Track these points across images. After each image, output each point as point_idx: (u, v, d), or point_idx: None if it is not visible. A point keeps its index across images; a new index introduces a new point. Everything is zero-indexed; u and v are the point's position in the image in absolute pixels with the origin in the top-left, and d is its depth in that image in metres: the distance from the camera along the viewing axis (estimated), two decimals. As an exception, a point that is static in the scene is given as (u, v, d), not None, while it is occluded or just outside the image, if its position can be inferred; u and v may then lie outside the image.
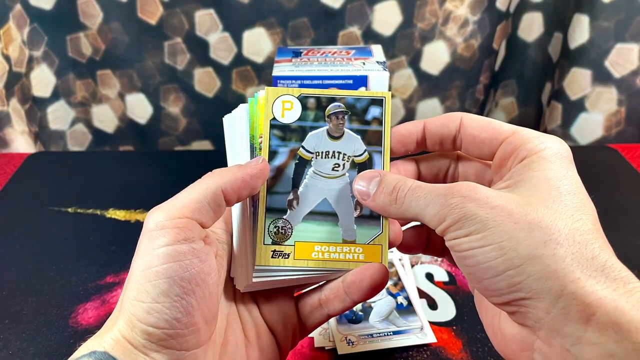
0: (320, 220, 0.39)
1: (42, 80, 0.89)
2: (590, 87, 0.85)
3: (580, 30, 0.82)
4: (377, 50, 0.66)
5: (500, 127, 0.36)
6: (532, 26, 0.89)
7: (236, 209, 0.39)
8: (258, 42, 0.86)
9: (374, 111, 0.39)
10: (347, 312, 0.53)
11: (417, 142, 0.39)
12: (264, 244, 0.38)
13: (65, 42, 0.87)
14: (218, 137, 0.96)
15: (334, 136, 0.39)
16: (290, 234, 0.38)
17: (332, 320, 0.52)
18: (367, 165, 0.39)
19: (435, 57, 0.88)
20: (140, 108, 0.93)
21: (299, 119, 0.39)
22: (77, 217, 0.69)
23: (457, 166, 0.40)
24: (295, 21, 0.84)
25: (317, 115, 0.39)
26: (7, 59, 0.81)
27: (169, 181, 0.75)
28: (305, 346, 0.51)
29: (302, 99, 0.40)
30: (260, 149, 0.39)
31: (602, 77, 0.84)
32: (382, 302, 0.54)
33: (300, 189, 0.39)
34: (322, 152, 0.39)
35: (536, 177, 0.32)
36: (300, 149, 0.39)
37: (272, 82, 0.60)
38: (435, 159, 0.40)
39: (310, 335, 0.52)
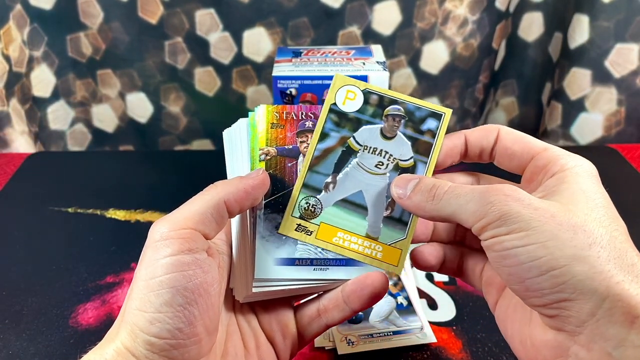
0: (350, 209, 0.40)
1: (42, 80, 0.89)
2: (590, 87, 0.85)
3: (580, 30, 0.82)
4: (377, 50, 0.67)
5: (533, 143, 0.37)
6: (532, 26, 0.89)
7: (236, 221, 0.40)
8: (258, 42, 0.86)
9: (430, 123, 0.41)
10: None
11: (461, 153, 0.40)
12: (291, 216, 0.39)
13: (65, 42, 0.87)
14: (218, 137, 0.95)
15: (386, 136, 0.40)
16: (318, 213, 0.39)
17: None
18: (410, 171, 0.40)
19: (435, 56, 0.88)
20: (140, 107, 0.93)
21: (358, 111, 0.41)
22: (77, 217, 0.69)
23: (479, 183, 0.41)
24: (295, 21, 0.84)
25: (376, 112, 0.40)
26: (7, 59, 0.81)
27: (169, 181, 0.75)
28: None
29: (366, 93, 0.41)
30: (261, 160, 0.39)
31: (602, 77, 0.84)
32: (382, 302, 0.54)
33: (340, 175, 0.40)
34: (370, 147, 0.40)
35: (571, 189, 0.33)
36: (351, 138, 0.40)
37: (272, 82, 0.60)
38: (456, 178, 0.41)
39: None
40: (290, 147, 0.40)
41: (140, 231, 0.66)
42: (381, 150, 0.40)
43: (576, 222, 0.30)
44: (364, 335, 0.51)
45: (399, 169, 0.40)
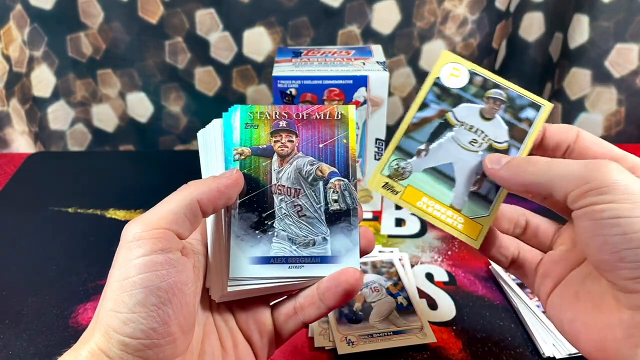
0: (438, 178, 0.42)
1: (42, 80, 0.89)
2: (590, 87, 0.85)
3: (580, 30, 0.82)
4: (377, 50, 0.67)
5: (613, 148, 0.39)
6: (532, 26, 0.89)
7: (211, 220, 0.40)
8: (258, 42, 0.86)
9: (529, 112, 0.42)
10: (347, 312, 0.53)
11: (535, 143, 0.41)
12: (380, 173, 0.41)
13: (66, 42, 0.87)
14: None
15: (485, 117, 0.42)
16: (407, 176, 0.41)
17: (332, 320, 0.52)
18: (503, 152, 0.41)
19: (434, 55, 0.88)
20: (141, 107, 0.93)
21: (461, 88, 0.42)
22: (77, 217, 0.69)
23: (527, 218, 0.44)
24: (295, 20, 0.85)
25: (478, 92, 0.43)
26: (7, 59, 0.81)
27: (169, 181, 0.75)
28: (305, 346, 0.51)
29: (472, 74, 0.43)
30: (235, 160, 0.40)
31: (602, 77, 0.84)
32: (382, 302, 0.54)
33: (434, 145, 0.42)
34: (467, 124, 0.42)
35: None
36: (450, 113, 0.42)
37: (272, 82, 0.60)
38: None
39: (310, 335, 0.52)
40: (265, 146, 0.40)
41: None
42: (477, 129, 0.42)
43: None
44: (364, 335, 0.51)
45: (492, 150, 0.41)
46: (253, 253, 0.39)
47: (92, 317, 0.54)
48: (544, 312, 0.52)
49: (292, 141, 0.41)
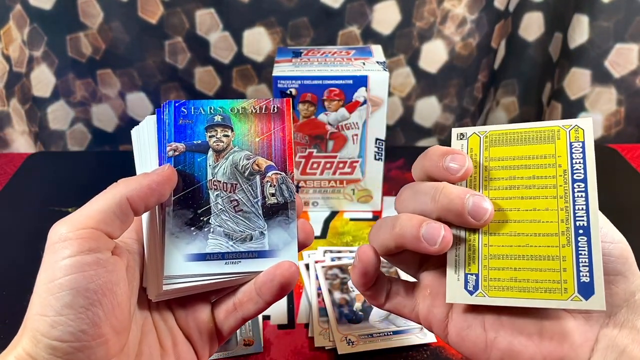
0: None
1: (42, 80, 0.89)
2: (589, 87, 0.85)
3: (580, 30, 0.82)
4: (377, 50, 0.67)
5: None
6: (532, 26, 0.90)
7: (146, 218, 0.39)
8: (258, 42, 0.86)
9: None
10: (347, 312, 0.53)
11: None
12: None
13: (65, 42, 0.87)
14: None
15: None
16: None
17: (332, 320, 0.52)
18: None
19: (434, 55, 0.88)
20: (140, 107, 0.93)
21: None
22: (77, 217, 0.69)
23: None
24: (295, 21, 0.85)
25: None
26: (7, 59, 0.81)
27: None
28: (305, 346, 0.51)
29: None
30: (169, 156, 0.39)
31: (601, 77, 0.84)
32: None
33: None
34: None
35: None
36: None
37: (272, 82, 0.60)
38: None
39: (310, 335, 0.52)
40: (199, 141, 0.40)
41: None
42: None
43: None
44: (364, 335, 0.51)
45: None
46: (188, 250, 0.38)
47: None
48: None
49: (227, 136, 0.40)
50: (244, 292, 0.39)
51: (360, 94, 0.61)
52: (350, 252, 0.62)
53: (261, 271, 0.38)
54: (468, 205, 0.33)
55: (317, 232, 0.66)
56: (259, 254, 0.39)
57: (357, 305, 0.54)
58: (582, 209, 0.32)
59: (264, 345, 0.51)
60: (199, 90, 0.90)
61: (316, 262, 0.60)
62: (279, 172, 0.40)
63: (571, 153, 0.33)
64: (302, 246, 0.39)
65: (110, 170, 0.80)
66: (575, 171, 0.33)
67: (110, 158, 0.87)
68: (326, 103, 0.61)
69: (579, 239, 0.32)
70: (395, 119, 0.93)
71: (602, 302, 0.31)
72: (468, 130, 0.38)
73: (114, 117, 0.94)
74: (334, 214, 0.69)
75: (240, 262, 0.38)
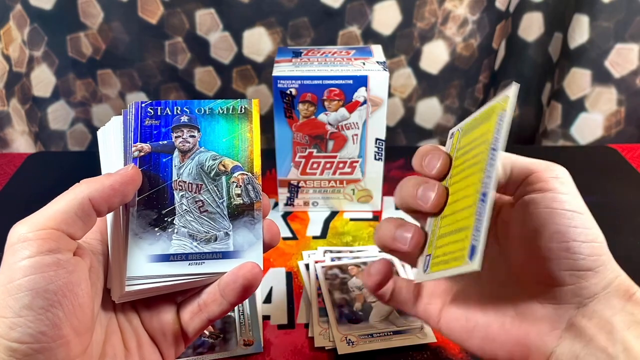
0: None
1: (42, 80, 0.89)
2: (590, 87, 0.85)
3: (580, 31, 0.82)
4: (377, 50, 0.67)
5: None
6: (532, 26, 0.90)
7: (110, 219, 0.39)
8: (258, 42, 0.86)
9: None
10: (347, 312, 0.53)
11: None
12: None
13: (65, 42, 0.87)
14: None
15: None
16: None
17: (332, 320, 0.52)
18: None
19: (435, 56, 0.88)
20: (140, 107, 0.93)
21: None
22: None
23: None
24: (295, 21, 0.85)
25: None
26: (7, 59, 0.81)
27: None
28: (305, 346, 0.51)
29: None
30: (134, 157, 0.39)
31: (601, 77, 0.84)
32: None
33: None
34: None
35: None
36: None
37: (272, 82, 0.60)
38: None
39: (310, 335, 0.52)
40: (165, 142, 0.40)
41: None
42: None
43: None
44: (364, 335, 0.51)
45: None
46: (152, 251, 0.38)
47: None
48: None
49: (193, 136, 0.40)
50: (208, 293, 0.38)
51: (360, 94, 0.60)
52: (350, 252, 0.62)
53: (225, 272, 0.38)
54: (419, 193, 0.38)
55: (317, 232, 0.66)
56: (224, 255, 0.39)
57: (357, 305, 0.54)
58: (489, 176, 0.32)
59: (264, 345, 0.51)
60: (199, 90, 0.91)
61: (316, 262, 0.60)
62: (245, 172, 0.40)
63: (496, 124, 0.33)
64: (267, 247, 0.39)
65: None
66: (494, 140, 0.33)
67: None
68: (326, 103, 0.61)
69: (479, 205, 0.32)
70: (396, 121, 0.93)
71: (479, 263, 0.30)
72: (454, 129, 0.41)
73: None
74: (334, 214, 0.69)
75: (204, 262, 0.38)
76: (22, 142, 0.86)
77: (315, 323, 0.53)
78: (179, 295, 0.40)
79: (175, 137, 0.40)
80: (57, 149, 0.94)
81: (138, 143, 0.39)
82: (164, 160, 0.39)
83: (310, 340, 0.52)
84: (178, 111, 0.40)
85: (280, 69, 0.61)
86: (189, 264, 0.38)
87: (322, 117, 0.62)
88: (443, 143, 0.95)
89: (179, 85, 0.90)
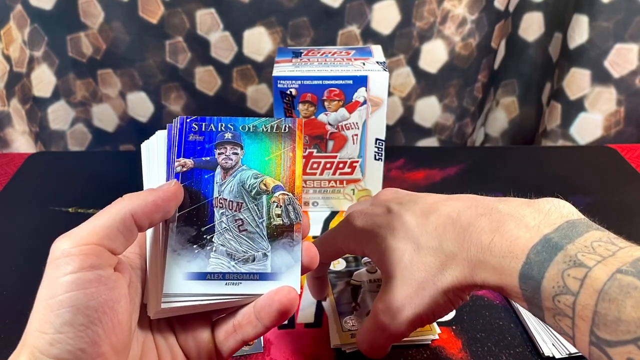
0: None
1: (43, 81, 0.89)
2: (589, 87, 0.85)
3: (580, 31, 0.82)
4: (377, 50, 0.67)
5: None
6: (532, 26, 0.90)
7: (149, 234, 0.38)
8: (258, 41, 0.86)
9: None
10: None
11: None
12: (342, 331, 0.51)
13: (66, 42, 0.87)
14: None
15: None
16: None
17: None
18: None
19: (434, 55, 0.88)
20: (141, 106, 0.93)
21: None
22: (77, 217, 0.69)
23: None
24: (295, 20, 0.85)
25: None
26: (7, 59, 0.81)
27: (169, 181, 0.75)
28: (305, 346, 0.51)
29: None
30: (177, 172, 0.39)
31: (601, 77, 0.84)
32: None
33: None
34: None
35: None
36: (352, 280, 0.56)
37: (272, 82, 0.60)
38: None
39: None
40: (208, 158, 0.39)
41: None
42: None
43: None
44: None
45: None
46: (189, 268, 0.37)
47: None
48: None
49: (236, 153, 0.40)
50: (243, 314, 0.38)
51: (360, 94, 0.61)
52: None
53: (262, 294, 0.37)
54: None
55: (317, 232, 0.66)
56: (261, 276, 0.38)
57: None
58: None
59: (264, 345, 0.51)
60: (199, 90, 0.91)
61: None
62: (286, 192, 0.39)
63: None
64: (305, 270, 0.38)
65: (110, 170, 0.80)
66: None
67: (111, 158, 0.87)
68: (326, 103, 0.61)
69: None
70: (395, 119, 0.93)
71: None
72: None
73: (114, 117, 0.95)
74: (334, 214, 0.69)
75: (241, 283, 0.37)
76: (22, 142, 0.86)
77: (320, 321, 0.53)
78: (214, 314, 0.39)
79: (218, 154, 0.39)
80: (58, 149, 0.94)
81: (181, 158, 0.39)
82: (205, 176, 0.39)
83: (311, 340, 0.52)
84: (222, 128, 0.40)
85: (280, 69, 0.61)
86: (226, 284, 0.37)
87: (322, 117, 0.62)
88: (442, 141, 0.95)
89: (179, 84, 0.90)
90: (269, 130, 0.40)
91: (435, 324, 0.52)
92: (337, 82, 0.60)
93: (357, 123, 0.62)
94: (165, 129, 0.40)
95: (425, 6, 0.84)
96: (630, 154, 0.81)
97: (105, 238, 0.32)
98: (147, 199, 0.34)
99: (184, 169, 0.39)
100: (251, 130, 0.40)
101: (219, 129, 0.40)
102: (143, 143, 0.40)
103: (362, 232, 0.45)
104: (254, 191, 0.39)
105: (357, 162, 0.65)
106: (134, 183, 0.77)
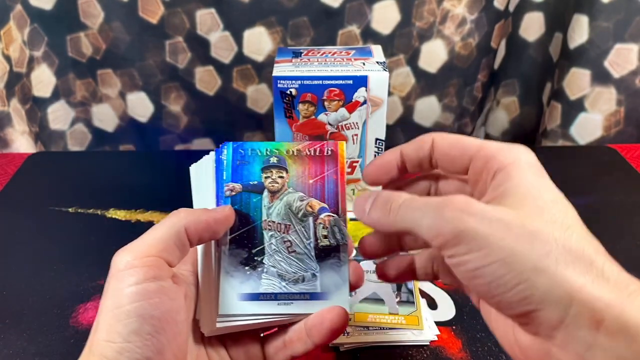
0: (372, 303, 0.53)
1: (43, 80, 0.89)
2: (589, 87, 0.85)
3: (580, 31, 0.82)
4: (377, 50, 0.67)
5: (468, 143, 0.36)
6: (532, 26, 0.90)
7: (201, 253, 0.40)
8: (258, 41, 0.86)
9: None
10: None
11: (398, 167, 0.39)
12: None
13: (66, 42, 0.87)
14: (219, 136, 0.96)
15: None
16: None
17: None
18: None
19: (433, 55, 0.88)
20: (141, 107, 0.93)
21: None
22: (77, 217, 0.69)
23: (437, 186, 0.41)
24: (295, 20, 0.85)
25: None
26: (7, 59, 0.81)
27: (169, 181, 0.75)
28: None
29: None
30: (226, 196, 0.40)
31: (601, 77, 0.84)
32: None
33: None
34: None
35: (518, 187, 0.32)
36: None
37: (272, 82, 0.60)
38: (416, 182, 0.41)
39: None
40: (255, 182, 0.41)
41: (141, 231, 0.65)
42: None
43: (531, 231, 0.29)
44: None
45: None
46: (242, 289, 0.39)
47: (93, 316, 0.54)
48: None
49: (282, 177, 0.41)
50: (294, 330, 0.39)
51: (360, 94, 0.61)
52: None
53: (311, 313, 0.39)
54: None
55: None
56: (311, 296, 0.39)
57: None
58: None
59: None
60: (199, 90, 0.91)
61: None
62: (331, 214, 0.40)
63: None
64: (352, 289, 0.40)
65: (110, 170, 0.80)
66: None
67: (111, 158, 0.87)
68: (326, 103, 0.61)
69: None
70: (395, 119, 0.93)
71: None
72: None
73: (114, 117, 0.94)
74: (334, 214, 0.69)
75: (292, 303, 0.39)
76: (22, 142, 0.86)
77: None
78: (262, 329, 0.40)
79: (265, 178, 0.41)
80: (57, 149, 0.94)
81: (230, 183, 0.41)
82: (254, 200, 0.40)
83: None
84: (268, 152, 0.41)
85: (280, 69, 0.61)
86: (278, 304, 0.39)
87: (322, 117, 0.62)
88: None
89: (179, 84, 0.90)
90: (312, 154, 0.42)
91: (433, 323, 0.53)
92: (337, 82, 0.60)
93: (357, 123, 0.62)
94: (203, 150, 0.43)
95: (425, 6, 0.84)
96: (630, 154, 0.81)
97: (164, 251, 0.34)
98: (201, 217, 0.36)
99: (233, 193, 0.40)
100: (295, 153, 0.42)
101: (265, 154, 0.41)
102: (192, 165, 0.42)
103: None
104: (300, 213, 0.40)
105: (357, 162, 0.65)
106: (134, 183, 0.78)
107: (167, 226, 0.35)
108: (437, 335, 0.52)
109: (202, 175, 0.42)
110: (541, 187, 0.32)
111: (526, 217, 0.30)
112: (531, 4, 0.88)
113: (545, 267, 0.29)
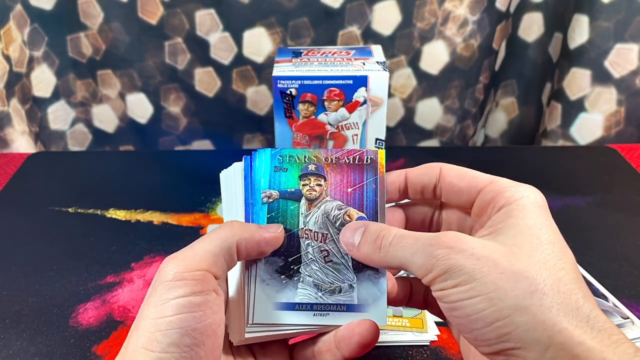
0: None
1: (43, 81, 0.89)
2: (589, 87, 0.85)
3: (580, 31, 0.82)
4: (377, 50, 0.67)
5: (478, 177, 0.36)
6: (532, 26, 0.90)
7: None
8: (258, 42, 0.86)
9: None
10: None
11: (399, 190, 0.40)
12: None
13: (66, 42, 0.87)
14: (218, 137, 0.96)
15: None
16: None
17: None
18: None
19: (435, 56, 0.88)
20: (140, 108, 0.93)
21: None
22: (77, 217, 0.69)
23: (440, 213, 0.41)
24: (295, 21, 0.85)
25: None
26: (7, 59, 0.81)
27: (169, 181, 0.75)
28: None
29: None
30: (263, 203, 0.39)
31: (601, 77, 0.84)
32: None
33: None
34: None
35: (517, 225, 0.32)
36: None
37: (272, 82, 0.60)
38: (420, 205, 0.41)
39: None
40: (293, 190, 0.40)
41: (141, 231, 0.66)
42: None
43: (519, 269, 0.30)
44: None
45: None
46: (278, 299, 0.38)
47: (93, 316, 0.54)
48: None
49: (320, 185, 0.40)
50: (323, 341, 0.38)
51: (360, 94, 0.60)
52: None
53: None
54: None
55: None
56: (348, 308, 0.38)
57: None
58: None
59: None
60: (199, 91, 0.91)
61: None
62: None
63: None
64: (389, 303, 0.39)
65: (110, 170, 0.80)
66: None
67: (111, 158, 0.87)
68: (326, 103, 0.61)
69: None
70: (397, 121, 0.93)
71: None
72: None
73: (114, 117, 0.94)
74: (334, 214, 0.68)
75: (328, 314, 0.38)
76: (22, 142, 0.86)
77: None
78: (289, 339, 0.40)
79: (303, 185, 0.40)
80: (57, 149, 0.94)
81: (267, 190, 0.40)
82: (291, 207, 0.39)
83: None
84: (306, 159, 0.41)
85: (280, 69, 0.61)
86: (314, 315, 0.38)
87: (322, 117, 0.62)
88: (443, 143, 0.95)
89: (178, 86, 0.90)
90: (351, 162, 0.41)
91: (433, 323, 0.52)
92: (337, 82, 0.60)
93: (357, 123, 0.62)
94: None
95: (426, 7, 0.83)
96: (630, 154, 0.81)
97: (213, 265, 0.34)
98: (253, 235, 0.36)
99: (270, 200, 0.40)
100: (334, 161, 0.41)
101: (303, 161, 0.41)
102: (222, 172, 0.41)
103: None
104: (338, 222, 0.39)
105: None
106: (134, 183, 0.78)
107: (220, 239, 0.35)
108: (437, 336, 0.51)
109: (231, 183, 0.41)
110: (542, 227, 0.32)
111: (516, 255, 0.31)
112: (530, 4, 0.88)
113: (527, 305, 0.29)
